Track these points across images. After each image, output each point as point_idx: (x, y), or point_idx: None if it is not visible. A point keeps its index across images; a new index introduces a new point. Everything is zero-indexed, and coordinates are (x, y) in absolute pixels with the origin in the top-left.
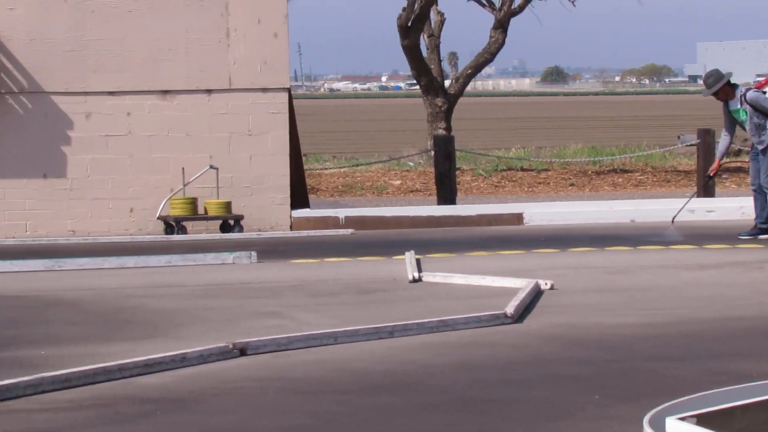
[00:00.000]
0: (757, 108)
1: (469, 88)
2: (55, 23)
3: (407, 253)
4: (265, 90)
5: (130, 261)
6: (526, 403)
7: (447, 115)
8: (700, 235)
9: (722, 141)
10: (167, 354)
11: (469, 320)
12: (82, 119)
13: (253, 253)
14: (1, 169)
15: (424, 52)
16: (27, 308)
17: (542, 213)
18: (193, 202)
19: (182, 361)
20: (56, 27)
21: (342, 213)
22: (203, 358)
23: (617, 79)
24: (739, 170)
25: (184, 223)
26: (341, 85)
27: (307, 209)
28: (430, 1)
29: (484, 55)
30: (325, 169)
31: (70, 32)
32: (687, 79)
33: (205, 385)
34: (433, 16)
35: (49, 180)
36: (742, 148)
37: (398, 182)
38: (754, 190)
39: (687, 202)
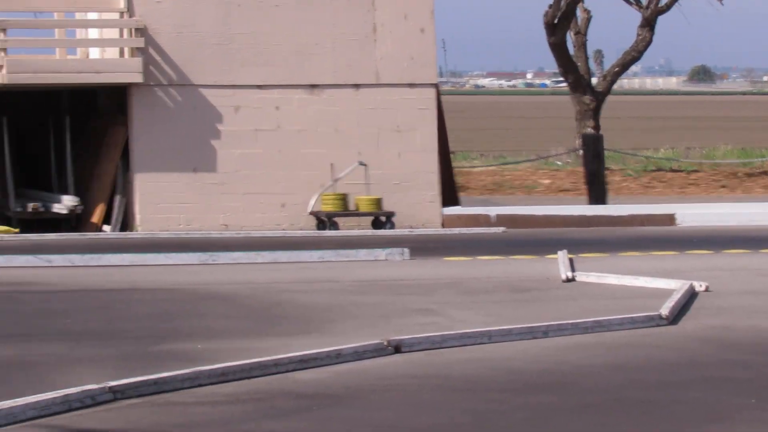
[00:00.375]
0: None
1: (615, 86)
2: (202, 16)
3: (560, 253)
4: (412, 85)
5: (283, 256)
6: (683, 404)
7: (595, 113)
8: None
9: None
10: (322, 350)
11: (623, 321)
12: (231, 113)
13: (406, 250)
14: (153, 163)
15: (571, 50)
16: (182, 301)
17: (695, 214)
18: (344, 198)
19: (337, 357)
20: (203, 20)
21: (493, 211)
22: (358, 354)
23: (765, 78)
24: None
25: (336, 219)
26: (486, 82)
27: (458, 207)
28: None
29: (632, 53)
30: (473, 167)
31: (217, 26)
32: None
33: (360, 381)
34: (579, 13)
35: (199, 174)
36: None
37: (548, 181)
38: None
39: None
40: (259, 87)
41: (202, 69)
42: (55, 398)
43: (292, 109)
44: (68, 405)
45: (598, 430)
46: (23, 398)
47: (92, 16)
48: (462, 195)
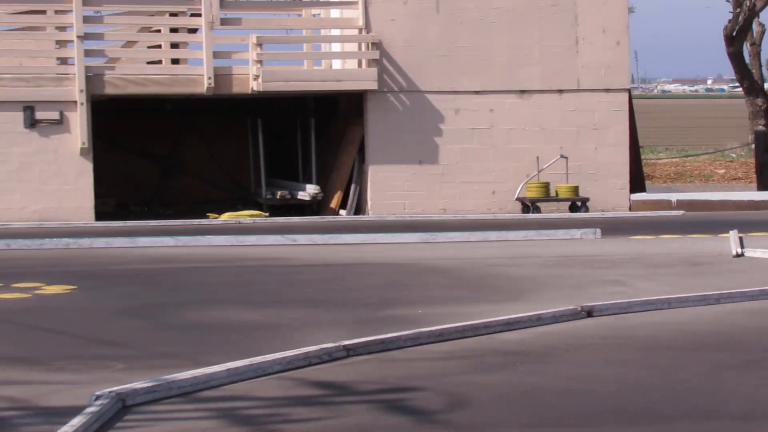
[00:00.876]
0: None
1: None
2: (429, 32)
3: (731, 232)
4: (607, 90)
5: (492, 235)
6: None
7: (766, 113)
8: None
9: None
10: (525, 314)
11: None
12: (452, 114)
13: (598, 230)
14: (384, 156)
15: (746, 59)
16: (406, 273)
17: None
18: (546, 186)
19: (537, 320)
20: (430, 35)
21: (674, 197)
22: (555, 318)
23: None
24: None
25: (539, 204)
26: (672, 87)
27: (644, 193)
28: (753, 14)
29: None
30: (659, 159)
31: (442, 40)
32: None
33: (557, 341)
34: (755, 26)
35: (424, 166)
36: None
37: (723, 171)
38: None
39: None
40: (477, 92)
41: (427, 77)
42: (297, 355)
43: (504, 111)
44: (308, 360)
45: (764, 383)
46: (271, 354)
47: (335, 32)
48: (648, 183)
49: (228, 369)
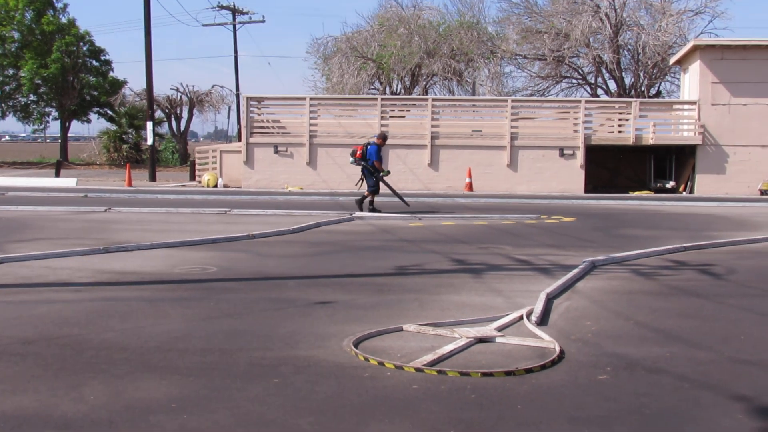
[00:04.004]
0: None
1: None
2: None
3: None
4: None
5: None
6: None
7: None
8: None
9: None
10: (757, 236)
11: None
12: None
13: None
14: (705, 170)
15: None
16: (717, 219)
17: None
18: None
19: (752, 241)
20: None
21: None
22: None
23: None
24: None
25: None
26: None
27: None
28: None
29: None
30: None
31: None
32: None
33: None
34: None
35: None
36: None
37: None
38: None
39: None
40: None
41: None
42: (666, 249)
43: None
44: (669, 251)
45: None
46: (654, 248)
47: (685, 121)
48: None
49: (637, 253)
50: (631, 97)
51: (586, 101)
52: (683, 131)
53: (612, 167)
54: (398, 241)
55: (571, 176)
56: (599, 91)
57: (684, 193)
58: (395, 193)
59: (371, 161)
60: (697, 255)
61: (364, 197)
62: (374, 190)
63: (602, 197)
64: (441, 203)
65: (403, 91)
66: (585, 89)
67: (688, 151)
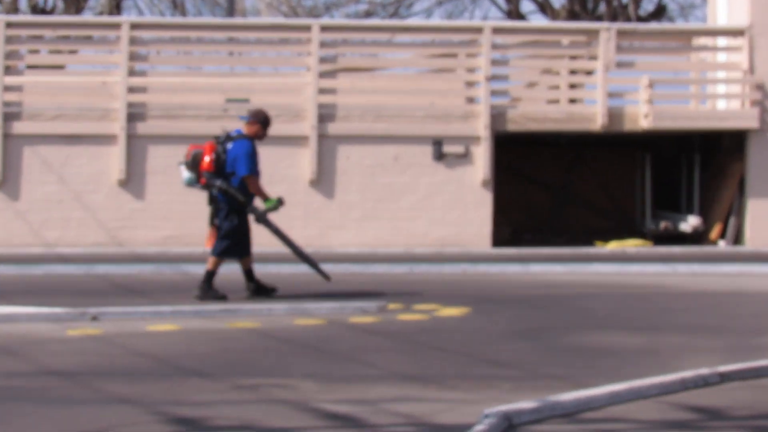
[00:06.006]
0: None
1: None
2: None
3: None
4: None
5: None
6: None
7: None
8: None
9: None
10: None
11: None
12: None
13: None
14: (763, 191)
15: None
16: None
17: None
18: None
19: None
20: None
21: None
22: None
23: None
24: None
25: None
26: None
27: None
28: None
29: None
30: None
31: None
32: None
33: None
34: None
35: None
36: None
37: None
38: None
39: None
40: None
41: None
42: (674, 380)
43: None
44: (684, 385)
45: None
46: (649, 378)
47: (720, 74)
48: None
49: (610, 392)
50: (600, 20)
51: (496, 29)
52: (716, 98)
53: (556, 184)
54: (38, 376)
55: (460, 206)
56: (526, 6)
57: (721, 243)
58: (297, 252)
59: (239, 176)
60: (753, 393)
61: (246, 272)
62: (231, 245)
63: (533, 256)
64: (145, 276)
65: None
66: (495, 3)
67: (729, 146)
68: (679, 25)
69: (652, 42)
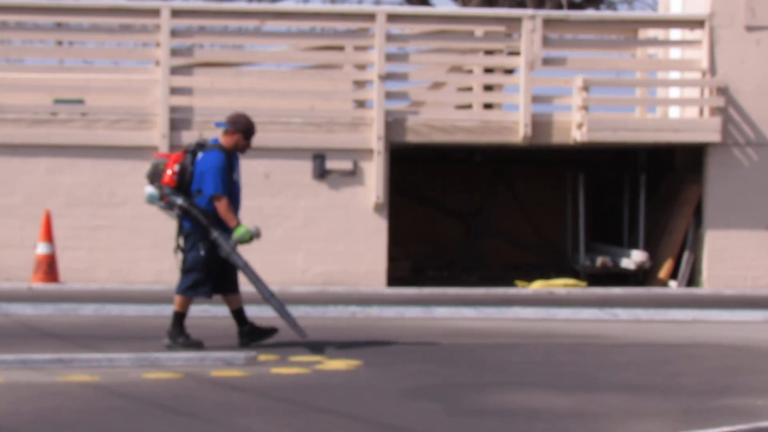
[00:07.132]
0: None
1: None
2: None
3: None
4: None
5: None
6: None
7: None
8: None
9: None
10: None
11: None
12: None
13: None
14: (724, 220)
15: None
16: (743, 358)
17: None
18: None
19: None
20: None
21: None
22: None
23: None
24: None
25: None
26: None
27: None
28: None
29: None
30: None
31: None
32: None
33: None
34: None
35: None
36: None
37: None
38: None
39: None
40: None
41: None
42: None
43: None
44: None
45: None
46: None
47: (673, 75)
48: None
49: None
50: (523, 6)
51: (392, 16)
52: (668, 104)
53: (468, 209)
54: None
55: (348, 235)
56: None
57: (672, 283)
58: (268, 298)
59: (206, 196)
60: None
61: (235, 312)
62: (199, 279)
63: (439, 298)
64: None
65: None
66: None
67: (683, 164)
68: (623, 13)
69: (587, 34)
